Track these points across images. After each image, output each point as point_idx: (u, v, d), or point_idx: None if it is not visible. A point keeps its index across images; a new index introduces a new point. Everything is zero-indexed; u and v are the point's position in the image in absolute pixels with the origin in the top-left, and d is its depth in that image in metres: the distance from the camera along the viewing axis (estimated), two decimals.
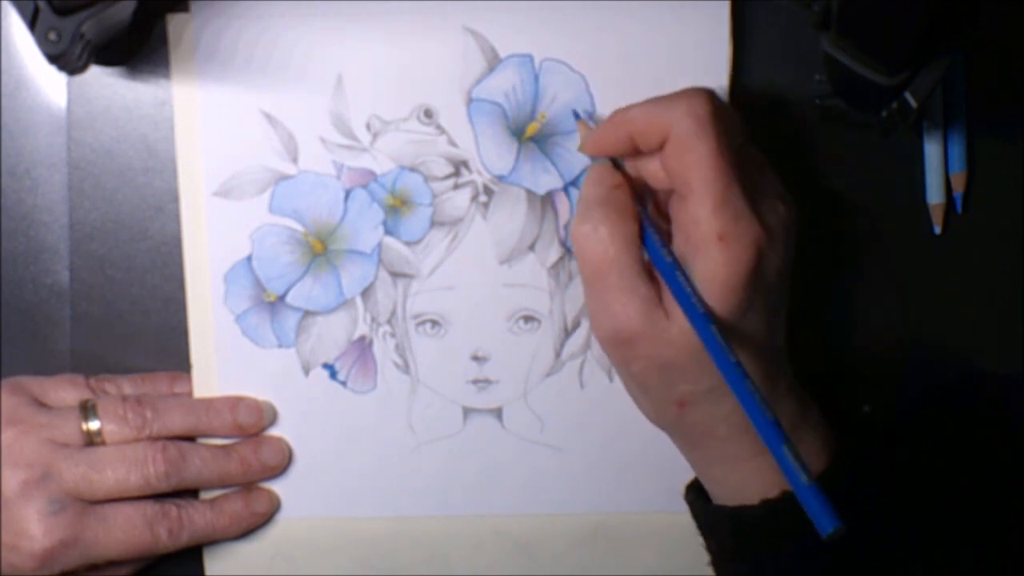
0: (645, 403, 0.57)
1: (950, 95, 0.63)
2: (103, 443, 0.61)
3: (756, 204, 0.54)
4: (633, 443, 0.64)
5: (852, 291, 0.64)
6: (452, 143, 0.62)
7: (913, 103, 0.54)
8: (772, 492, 0.54)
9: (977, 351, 0.65)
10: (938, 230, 0.64)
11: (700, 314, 0.52)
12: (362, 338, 0.64)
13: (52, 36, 0.55)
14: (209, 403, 0.63)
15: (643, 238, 0.55)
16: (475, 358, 0.64)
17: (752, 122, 0.62)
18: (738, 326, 0.53)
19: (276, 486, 0.65)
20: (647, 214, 0.56)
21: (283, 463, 0.64)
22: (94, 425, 0.61)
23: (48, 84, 0.64)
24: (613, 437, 0.64)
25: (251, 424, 0.63)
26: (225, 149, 0.62)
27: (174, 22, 0.62)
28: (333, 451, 0.64)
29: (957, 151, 0.63)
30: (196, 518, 0.62)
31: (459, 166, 0.63)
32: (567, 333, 0.64)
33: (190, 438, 0.63)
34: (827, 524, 0.48)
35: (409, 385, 0.64)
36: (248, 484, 0.64)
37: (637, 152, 0.56)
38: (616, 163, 0.57)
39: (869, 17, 0.51)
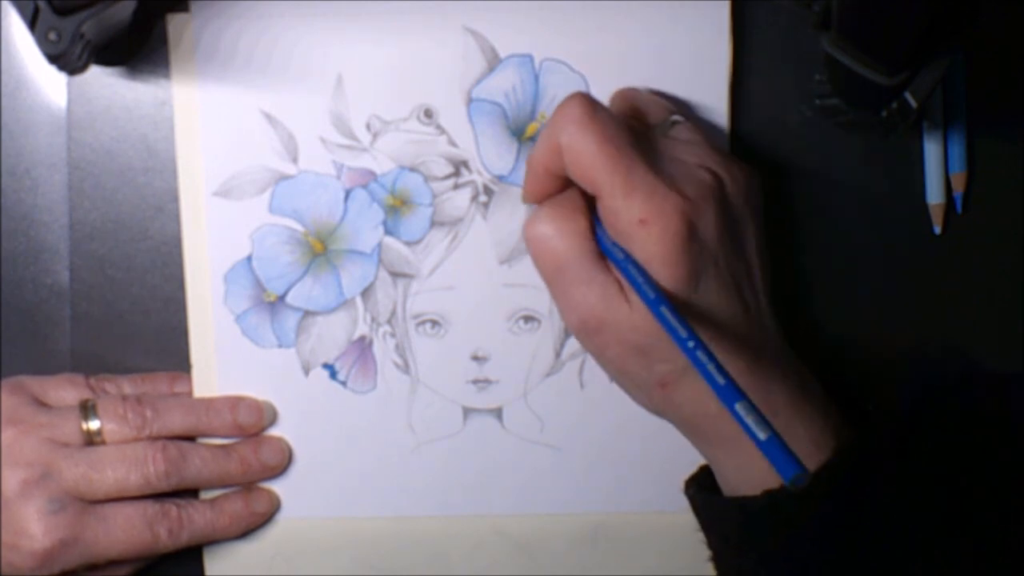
0: (632, 390, 0.57)
1: (950, 95, 0.63)
2: (103, 443, 0.61)
3: (672, 178, 0.54)
4: (633, 443, 0.64)
5: (852, 291, 0.64)
6: (452, 143, 0.62)
7: (913, 103, 0.54)
8: (775, 479, 0.54)
9: (977, 351, 0.65)
10: (938, 230, 0.64)
11: (651, 297, 0.52)
12: (362, 338, 0.64)
13: (52, 36, 0.55)
14: (209, 403, 0.63)
15: (594, 234, 0.55)
16: (475, 358, 0.64)
17: (752, 122, 0.63)
18: (693, 299, 0.54)
19: (276, 486, 0.65)
20: (596, 209, 0.56)
21: (283, 463, 0.64)
22: (94, 425, 0.61)
23: (48, 84, 0.64)
24: (613, 437, 0.64)
25: (251, 424, 0.63)
26: (225, 149, 0.62)
27: (174, 22, 0.62)
28: (333, 451, 0.64)
29: (957, 151, 0.63)
30: (196, 518, 0.62)
31: (459, 166, 0.63)
32: (567, 333, 0.64)
33: (190, 438, 0.63)
34: (788, 471, 0.47)
35: (409, 385, 0.64)
36: (248, 484, 0.64)
37: (565, 180, 0.56)
38: None
39: (869, 17, 0.51)
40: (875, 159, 0.64)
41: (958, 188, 0.64)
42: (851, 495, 0.54)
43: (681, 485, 0.60)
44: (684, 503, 0.59)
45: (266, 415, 0.64)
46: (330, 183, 0.63)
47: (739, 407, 0.49)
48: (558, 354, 0.64)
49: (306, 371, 0.64)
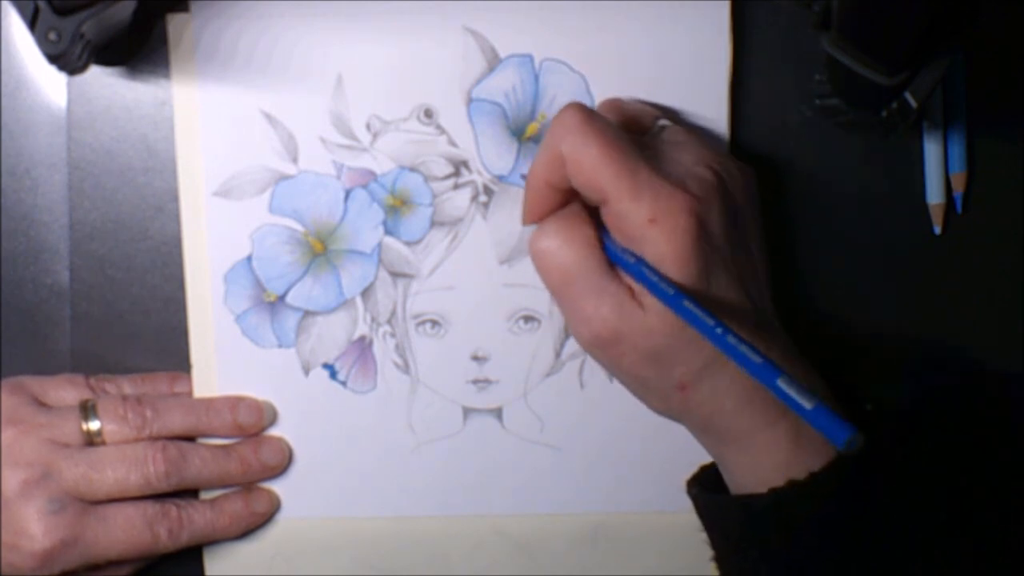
0: (648, 397, 0.57)
1: (950, 95, 0.63)
2: (103, 443, 0.61)
3: (677, 178, 0.54)
4: (633, 443, 0.64)
5: (852, 291, 0.64)
6: (452, 143, 0.62)
7: (913, 103, 0.54)
8: (785, 470, 0.54)
9: (977, 351, 0.65)
10: (938, 230, 0.64)
11: (672, 294, 0.52)
12: (362, 338, 0.64)
13: (52, 36, 0.55)
14: (209, 403, 0.63)
15: (601, 242, 0.55)
16: (475, 358, 0.64)
17: (752, 122, 0.63)
18: (708, 293, 0.54)
19: (276, 486, 0.65)
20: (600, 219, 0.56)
21: (283, 463, 0.64)
22: (94, 425, 0.61)
23: (48, 84, 0.64)
24: (613, 437, 0.64)
25: (251, 424, 0.63)
26: (225, 149, 0.62)
27: (174, 22, 0.62)
28: (333, 451, 0.64)
29: (957, 151, 0.64)
30: (196, 518, 0.62)
31: (459, 166, 0.63)
32: (567, 333, 0.64)
33: (190, 438, 0.63)
34: (841, 435, 0.47)
35: (409, 385, 0.64)
36: (248, 484, 0.64)
37: (567, 194, 0.56)
38: None
39: (869, 17, 0.51)
40: (875, 159, 0.64)
41: (958, 188, 0.64)
42: (853, 494, 0.54)
43: (681, 485, 0.60)
44: (684, 503, 0.59)
45: (266, 415, 0.64)
46: (330, 183, 0.63)
47: (780, 382, 0.48)
48: (558, 354, 0.64)
49: (306, 371, 0.64)
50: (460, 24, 0.62)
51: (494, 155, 0.62)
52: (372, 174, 0.63)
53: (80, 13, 0.55)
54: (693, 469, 0.60)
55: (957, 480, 0.56)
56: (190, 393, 0.64)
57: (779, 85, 0.63)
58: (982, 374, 0.65)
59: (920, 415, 0.62)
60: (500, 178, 0.63)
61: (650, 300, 0.54)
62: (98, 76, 0.63)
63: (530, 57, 0.62)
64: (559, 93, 0.62)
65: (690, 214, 0.53)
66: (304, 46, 0.62)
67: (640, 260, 0.54)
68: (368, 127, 0.62)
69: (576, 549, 0.65)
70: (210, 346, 0.64)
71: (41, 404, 0.62)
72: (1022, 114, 0.64)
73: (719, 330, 0.50)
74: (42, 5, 0.54)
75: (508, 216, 0.63)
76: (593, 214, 0.56)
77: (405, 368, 0.64)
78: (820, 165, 0.64)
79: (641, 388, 0.57)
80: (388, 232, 0.63)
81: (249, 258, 0.63)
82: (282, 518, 0.65)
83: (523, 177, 0.61)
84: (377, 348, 0.64)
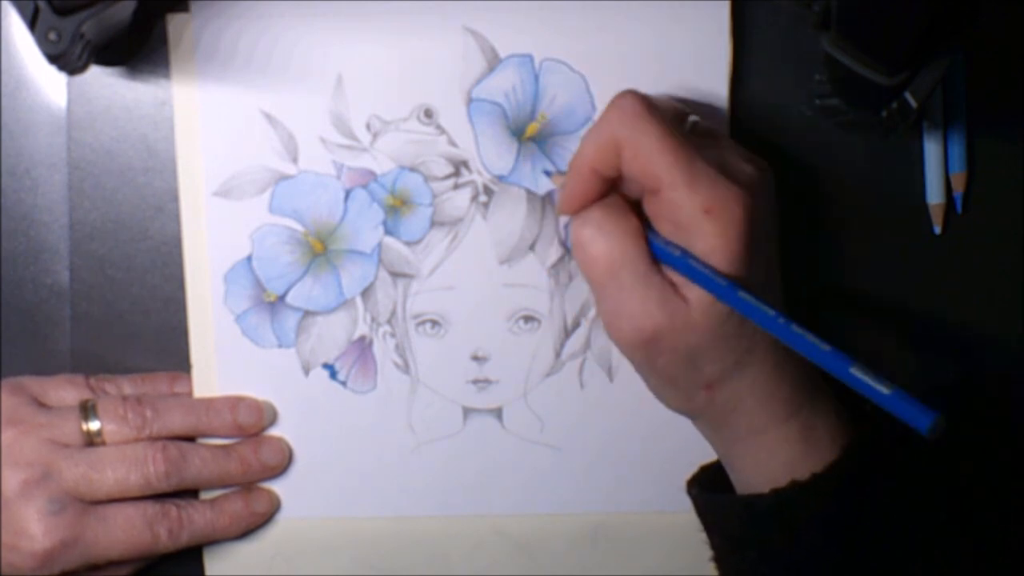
0: (672, 395, 0.56)
1: (950, 95, 0.63)
2: (103, 443, 0.61)
3: (725, 170, 0.54)
4: (633, 443, 0.64)
5: (852, 291, 0.64)
6: (452, 143, 0.62)
7: (913, 103, 0.54)
8: (793, 468, 0.54)
9: (977, 351, 0.65)
10: (938, 230, 0.64)
11: (723, 285, 0.51)
12: (362, 338, 0.64)
13: (52, 36, 0.55)
14: (209, 403, 0.63)
15: (645, 235, 0.55)
16: (475, 358, 0.64)
17: (752, 122, 0.63)
18: (750, 286, 0.53)
19: (276, 486, 0.65)
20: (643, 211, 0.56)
21: (283, 463, 0.64)
22: (94, 425, 0.61)
23: (48, 84, 0.64)
24: (613, 437, 0.64)
25: (251, 424, 0.63)
26: (225, 149, 0.62)
27: (174, 22, 0.62)
28: (333, 451, 0.64)
29: (957, 151, 0.64)
30: (196, 518, 0.62)
31: (459, 166, 0.63)
32: (567, 333, 0.64)
33: (190, 438, 0.63)
34: (923, 420, 0.46)
35: (409, 385, 0.64)
36: (248, 484, 0.64)
37: (610, 183, 0.55)
38: None
39: (869, 17, 0.51)
40: (875, 159, 0.64)
41: (958, 188, 0.64)
42: (854, 494, 0.54)
43: (682, 485, 0.60)
44: (684, 503, 0.59)
45: (266, 415, 0.64)
46: (330, 183, 0.63)
47: (854, 370, 0.48)
48: (558, 354, 0.64)
49: (306, 371, 0.64)
50: (460, 24, 0.62)
51: (494, 155, 0.62)
52: (372, 174, 0.63)
53: (80, 13, 0.55)
54: (693, 469, 0.60)
55: (957, 480, 0.56)
56: (190, 393, 0.64)
57: (779, 85, 0.63)
58: (982, 374, 0.65)
59: None
60: (500, 178, 0.63)
61: (694, 295, 0.53)
62: (98, 76, 0.63)
63: (530, 57, 0.62)
64: (559, 93, 0.62)
65: (744, 207, 0.53)
66: (304, 46, 0.62)
67: (686, 253, 0.53)
68: (368, 127, 0.62)
69: (576, 549, 0.65)
70: (210, 346, 0.64)
71: (41, 404, 0.62)
72: (1022, 114, 0.64)
73: (781, 320, 0.50)
74: (42, 5, 0.54)
75: (508, 216, 0.63)
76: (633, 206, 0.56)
77: (405, 368, 0.64)
78: (820, 165, 0.64)
79: (667, 386, 0.56)
80: (388, 232, 0.63)
81: (249, 258, 0.63)
82: (282, 518, 0.65)
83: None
84: (377, 348, 0.64)
